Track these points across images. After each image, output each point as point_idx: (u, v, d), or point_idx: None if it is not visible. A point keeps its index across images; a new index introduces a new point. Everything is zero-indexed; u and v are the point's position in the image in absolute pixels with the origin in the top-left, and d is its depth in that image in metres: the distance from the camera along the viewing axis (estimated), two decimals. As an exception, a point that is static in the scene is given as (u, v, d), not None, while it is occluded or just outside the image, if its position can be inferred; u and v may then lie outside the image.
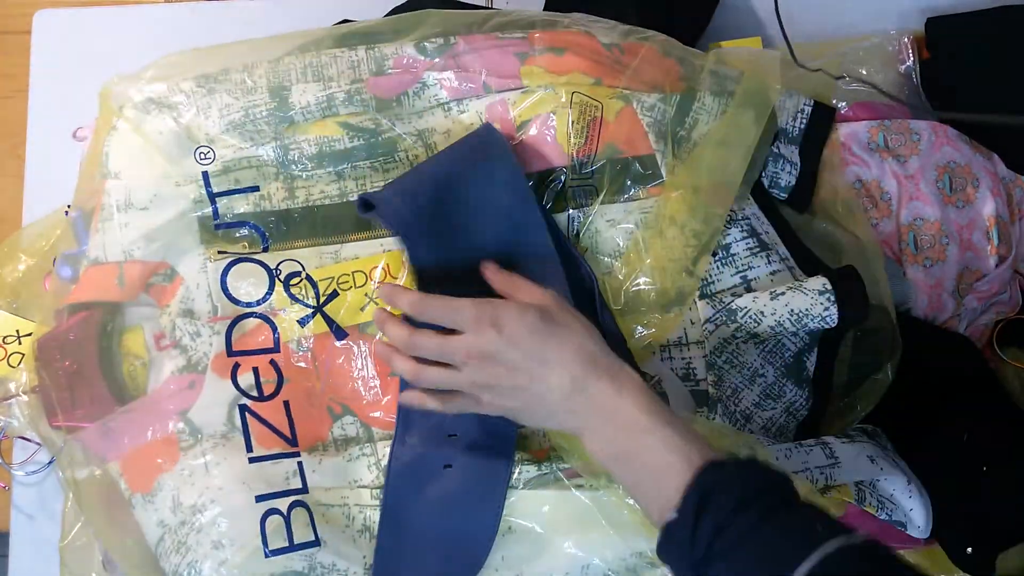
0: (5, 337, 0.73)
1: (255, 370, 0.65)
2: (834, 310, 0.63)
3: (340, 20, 0.78)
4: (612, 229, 0.67)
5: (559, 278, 0.64)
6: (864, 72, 0.78)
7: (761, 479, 0.50)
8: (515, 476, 0.62)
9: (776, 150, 0.72)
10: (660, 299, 0.65)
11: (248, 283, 0.67)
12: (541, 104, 0.68)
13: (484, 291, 0.64)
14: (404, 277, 0.66)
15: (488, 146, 0.66)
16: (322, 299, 0.67)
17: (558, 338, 0.55)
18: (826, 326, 0.64)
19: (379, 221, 0.66)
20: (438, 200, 0.64)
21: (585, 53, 0.69)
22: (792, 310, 0.63)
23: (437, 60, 0.69)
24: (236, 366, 0.65)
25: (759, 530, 0.47)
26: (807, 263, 0.69)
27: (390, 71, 0.70)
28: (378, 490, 0.64)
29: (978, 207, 0.74)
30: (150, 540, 0.63)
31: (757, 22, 0.85)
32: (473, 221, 0.64)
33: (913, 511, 0.65)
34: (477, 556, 0.62)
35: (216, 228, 0.68)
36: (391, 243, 0.67)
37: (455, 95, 0.70)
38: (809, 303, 0.63)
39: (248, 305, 0.67)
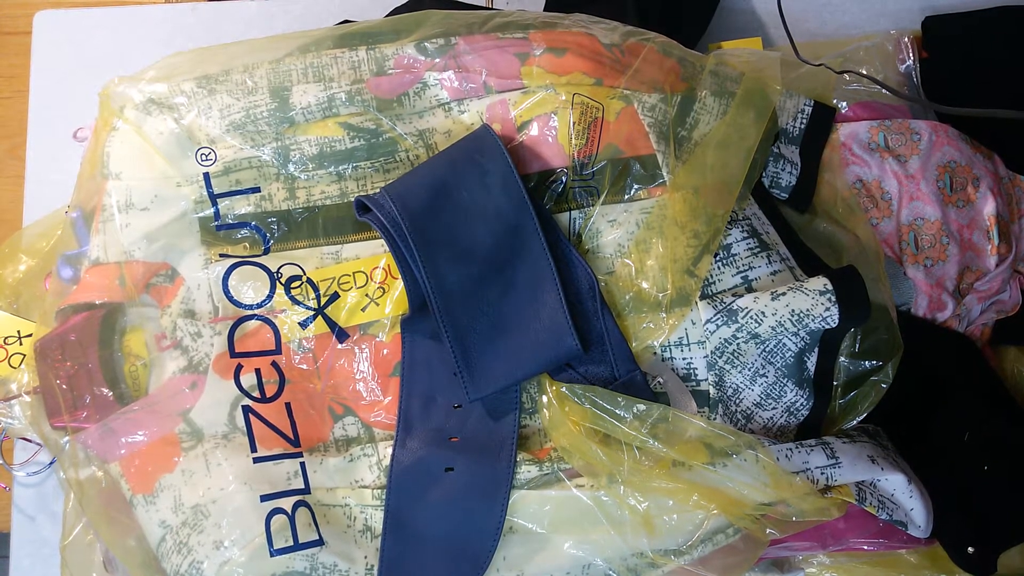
0: (6, 338, 0.73)
1: (257, 371, 0.66)
2: (835, 310, 0.63)
3: (340, 20, 0.78)
4: (613, 230, 0.67)
5: (552, 283, 0.64)
6: (864, 72, 0.78)
7: None
8: (516, 476, 0.63)
9: (776, 150, 0.73)
10: (661, 300, 0.65)
11: (249, 286, 0.67)
12: (542, 104, 0.68)
13: (476, 294, 0.64)
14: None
15: (483, 148, 0.66)
16: (323, 301, 0.67)
17: None
18: (827, 326, 0.64)
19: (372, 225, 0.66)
20: (432, 203, 0.64)
21: (586, 54, 0.69)
22: (793, 310, 0.64)
23: (438, 60, 0.69)
24: (239, 367, 0.65)
25: None
26: (808, 263, 0.69)
27: (391, 71, 0.70)
28: (380, 490, 0.64)
29: (978, 207, 0.74)
30: (152, 541, 0.63)
31: (757, 23, 0.85)
32: (467, 224, 0.65)
33: (914, 511, 0.65)
34: (481, 557, 0.62)
35: (217, 229, 0.68)
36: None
37: (456, 95, 0.70)
38: (810, 303, 0.64)
39: (249, 307, 0.67)
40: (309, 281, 0.67)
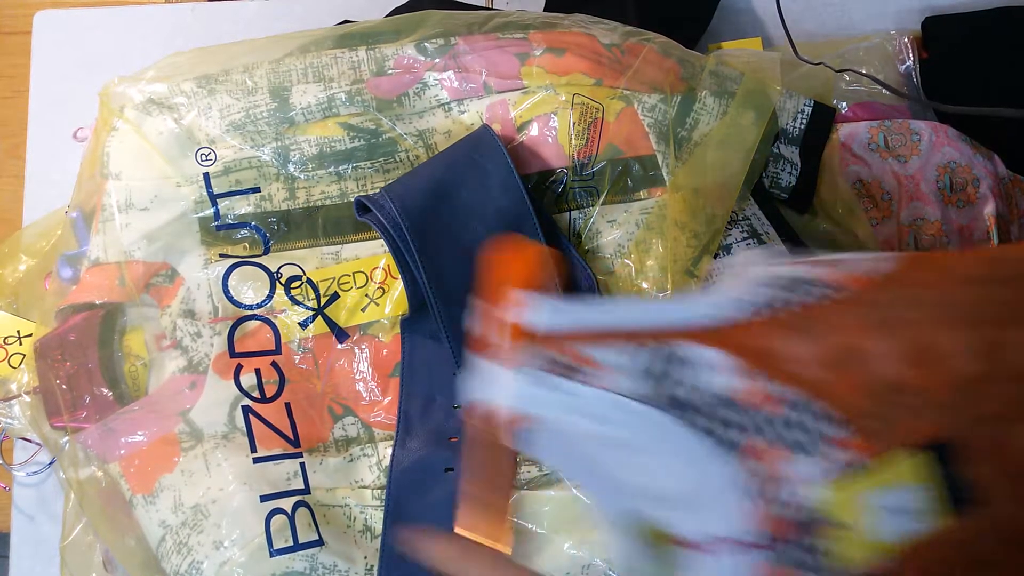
0: (5, 338, 0.73)
1: (257, 371, 0.66)
2: (835, 311, 0.63)
3: (340, 20, 0.78)
4: (613, 230, 0.67)
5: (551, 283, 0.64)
6: (864, 72, 0.78)
7: None
8: (516, 476, 0.63)
9: (776, 151, 0.73)
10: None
11: (249, 286, 0.67)
12: (542, 105, 0.68)
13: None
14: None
15: (483, 149, 0.66)
16: (323, 301, 0.67)
17: None
18: (827, 327, 0.64)
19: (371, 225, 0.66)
20: (432, 204, 0.64)
21: (586, 54, 0.69)
22: (793, 311, 0.63)
23: (438, 60, 0.69)
24: (239, 367, 0.65)
25: None
26: (807, 264, 0.69)
27: (391, 71, 0.70)
28: (379, 490, 0.64)
29: (979, 207, 0.74)
30: (151, 541, 0.63)
31: (757, 23, 0.85)
32: (467, 224, 0.64)
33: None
34: (480, 558, 0.62)
35: (217, 229, 0.68)
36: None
37: (456, 95, 0.70)
38: (810, 304, 0.63)
39: (249, 307, 0.67)
40: (309, 281, 0.67)
